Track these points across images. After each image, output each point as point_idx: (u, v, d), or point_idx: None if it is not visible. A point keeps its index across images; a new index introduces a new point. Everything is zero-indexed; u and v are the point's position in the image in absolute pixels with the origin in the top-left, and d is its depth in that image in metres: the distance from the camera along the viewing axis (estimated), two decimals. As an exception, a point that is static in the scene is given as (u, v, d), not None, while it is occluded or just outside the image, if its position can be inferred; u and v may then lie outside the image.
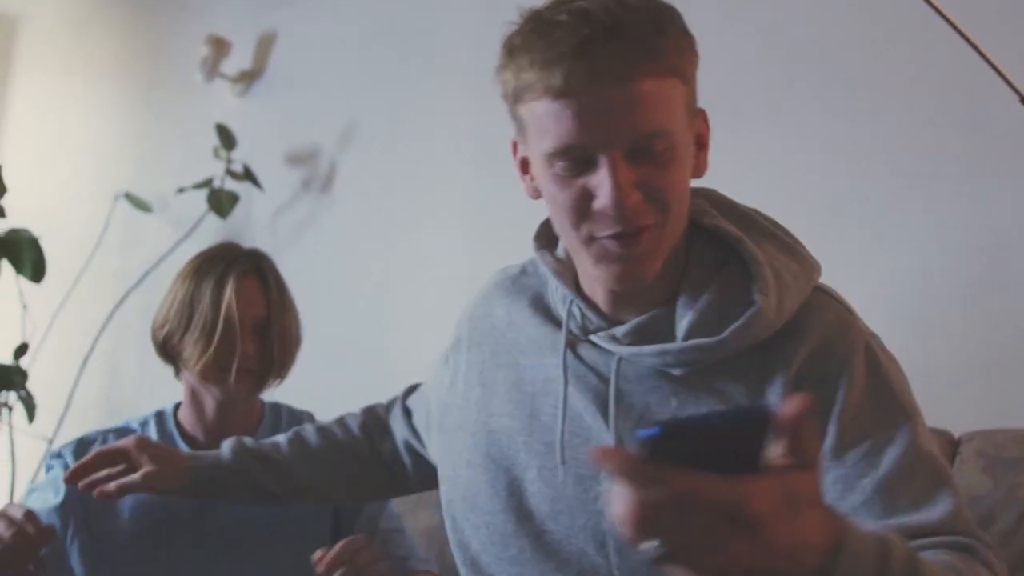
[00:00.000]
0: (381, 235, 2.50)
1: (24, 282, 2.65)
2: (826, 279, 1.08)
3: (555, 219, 1.03)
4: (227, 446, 1.41)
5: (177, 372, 1.62)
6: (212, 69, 2.76)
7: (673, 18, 0.97)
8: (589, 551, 1.04)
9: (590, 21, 0.93)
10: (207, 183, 2.66)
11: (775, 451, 0.62)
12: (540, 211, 1.10)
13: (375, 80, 2.57)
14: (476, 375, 1.18)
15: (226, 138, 2.65)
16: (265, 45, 2.82)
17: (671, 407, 1.02)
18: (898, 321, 1.74)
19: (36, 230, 2.66)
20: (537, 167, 1.02)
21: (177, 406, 1.66)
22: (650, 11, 0.96)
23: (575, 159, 0.96)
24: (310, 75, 2.71)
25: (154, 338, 1.61)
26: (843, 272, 1.85)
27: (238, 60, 2.81)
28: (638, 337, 1.04)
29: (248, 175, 2.64)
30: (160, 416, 1.65)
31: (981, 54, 1.27)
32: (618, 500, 0.60)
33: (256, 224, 2.72)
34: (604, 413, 1.05)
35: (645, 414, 1.03)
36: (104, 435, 1.60)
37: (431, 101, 2.46)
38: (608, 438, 1.04)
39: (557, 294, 1.12)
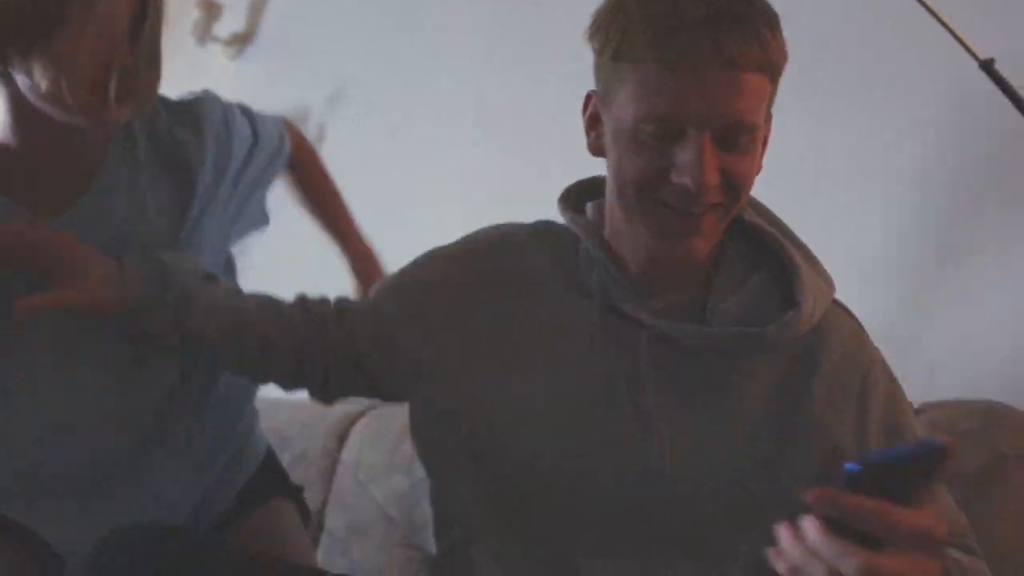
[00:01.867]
0: (370, 204, 2.46)
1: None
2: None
3: (619, 180, 1.01)
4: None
5: None
6: (204, 32, 2.75)
7: (778, 20, 0.99)
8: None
9: (714, 0, 0.94)
10: (195, 146, 2.64)
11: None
12: (547, 185, 1.10)
13: (368, 42, 2.53)
14: (482, 327, 1.12)
15: (213, 101, 2.63)
16: (257, 7, 2.80)
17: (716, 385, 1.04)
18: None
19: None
20: (615, 126, 1.01)
21: None
22: (765, 5, 0.98)
23: (664, 129, 0.96)
24: (303, 37, 2.68)
25: None
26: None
27: (230, 23, 2.79)
28: (670, 316, 1.05)
29: (235, 138, 2.62)
30: None
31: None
32: (812, 531, 0.72)
33: (246, 188, 2.70)
34: (635, 382, 1.04)
35: (689, 390, 1.03)
36: None
37: (427, 64, 2.41)
38: (628, 406, 1.04)
39: (585, 258, 1.10)
